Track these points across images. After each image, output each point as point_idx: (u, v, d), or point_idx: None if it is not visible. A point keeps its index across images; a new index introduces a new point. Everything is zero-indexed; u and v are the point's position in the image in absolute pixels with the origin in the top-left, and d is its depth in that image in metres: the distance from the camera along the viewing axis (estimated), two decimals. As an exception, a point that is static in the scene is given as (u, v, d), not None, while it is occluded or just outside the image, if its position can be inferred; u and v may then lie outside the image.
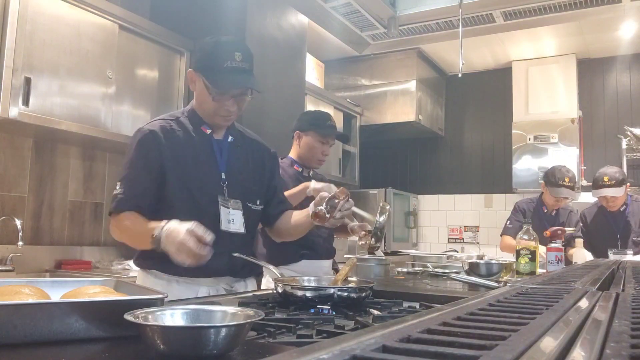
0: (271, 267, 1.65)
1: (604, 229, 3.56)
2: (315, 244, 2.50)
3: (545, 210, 3.53)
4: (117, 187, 1.61)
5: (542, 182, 3.57)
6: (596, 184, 3.49)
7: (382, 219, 2.40)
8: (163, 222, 1.41)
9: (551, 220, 3.48)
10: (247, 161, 1.78)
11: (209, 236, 1.35)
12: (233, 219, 1.66)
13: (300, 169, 2.56)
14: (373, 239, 2.43)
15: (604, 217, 3.60)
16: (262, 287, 2.12)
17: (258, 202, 1.77)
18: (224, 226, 1.63)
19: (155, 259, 1.54)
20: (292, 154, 2.61)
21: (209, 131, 1.70)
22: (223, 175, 1.68)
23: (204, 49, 1.65)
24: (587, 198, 4.93)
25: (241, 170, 1.74)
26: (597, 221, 3.62)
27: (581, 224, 3.64)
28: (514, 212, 3.63)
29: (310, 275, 1.62)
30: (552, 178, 3.42)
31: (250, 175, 1.77)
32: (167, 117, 1.71)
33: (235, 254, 1.64)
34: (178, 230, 1.35)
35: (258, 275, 1.84)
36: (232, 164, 1.72)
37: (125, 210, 1.57)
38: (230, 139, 1.75)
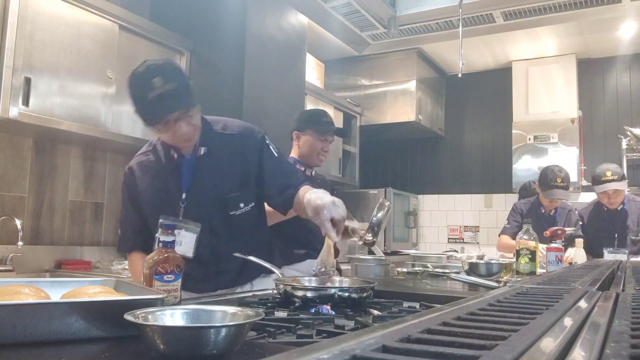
0: (273, 266, 1.61)
1: (600, 229, 3.56)
2: (319, 244, 2.49)
3: (543, 211, 3.53)
4: (118, 227, 1.79)
5: (536, 183, 3.57)
6: (598, 180, 3.48)
7: (379, 214, 2.36)
8: None
9: (550, 220, 3.49)
10: (224, 169, 1.68)
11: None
12: (181, 242, 1.59)
13: (303, 169, 2.54)
14: (370, 234, 2.39)
15: (600, 217, 3.60)
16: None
17: (242, 205, 1.68)
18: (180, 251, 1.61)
19: None
20: (293, 154, 2.60)
21: (176, 155, 1.67)
22: (184, 196, 1.65)
23: (129, 86, 1.55)
24: (588, 198, 4.93)
25: (215, 182, 1.66)
26: (593, 220, 3.62)
27: (580, 223, 3.64)
28: (513, 212, 3.63)
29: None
30: (545, 180, 3.41)
31: (228, 183, 1.67)
32: (146, 148, 1.75)
33: (237, 254, 1.62)
34: None
35: (266, 275, 1.75)
36: (198, 180, 1.66)
37: (127, 251, 1.77)
38: (202, 151, 1.67)
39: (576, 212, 3.68)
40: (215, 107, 3.13)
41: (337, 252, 1.47)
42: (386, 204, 2.41)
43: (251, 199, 1.70)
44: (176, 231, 1.55)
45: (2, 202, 2.69)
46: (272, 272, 1.59)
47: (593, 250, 3.37)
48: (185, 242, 1.60)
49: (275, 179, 1.72)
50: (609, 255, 3.18)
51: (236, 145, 1.70)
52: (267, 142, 1.76)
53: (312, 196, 1.50)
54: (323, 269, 1.43)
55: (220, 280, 1.70)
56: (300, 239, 2.42)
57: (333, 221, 1.43)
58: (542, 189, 3.45)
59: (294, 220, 1.93)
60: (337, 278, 1.49)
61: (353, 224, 2.60)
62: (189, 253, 1.60)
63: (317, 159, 2.55)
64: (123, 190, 1.75)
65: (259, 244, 1.75)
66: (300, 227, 2.32)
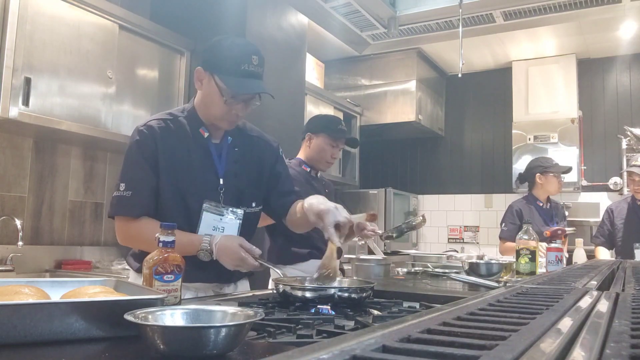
0: (275, 267, 1.61)
1: (631, 224, 3.56)
2: (322, 242, 2.51)
3: (541, 204, 3.55)
4: (122, 188, 1.56)
5: (537, 174, 3.54)
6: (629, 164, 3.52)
7: (415, 222, 2.57)
8: (208, 237, 1.52)
9: (547, 214, 3.52)
10: (245, 163, 1.72)
11: (257, 251, 1.51)
12: (223, 227, 1.62)
13: (308, 169, 2.60)
14: (394, 233, 2.45)
15: (634, 213, 3.59)
16: (270, 286, 2.09)
17: (254, 205, 1.72)
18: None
19: None
20: (301, 155, 2.65)
21: (206, 134, 1.65)
22: (221, 181, 1.64)
23: (218, 48, 1.58)
24: (588, 198, 4.94)
25: (238, 173, 1.69)
26: (625, 216, 3.62)
27: (606, 219, 3.67)
28: (509, 214, 3.57)
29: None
30: (546, 163, 3.53)
31: (247, 177, 1.71)
32: (165, 115, 1.66)
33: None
34: (233, 246, 1.50)
35: (251, 275, 1.79)
36: (230, 167, 1.67)
37: (138, 216, 1.56)
38: (229, 140, 1.69)
39: (567, 208, 3.72)
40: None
41: (340, 253, 1.48)
42: (424, 221, 2.63)
43: (259, 200, 1.75)
44: (220, 217, 1.61)
45: (2, 202, 2.69)
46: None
47: (620, 247, 3.40)
48: (227, 228, 1.63)
49: (282, 186, 1.79)
50: (638, 252, 3.21)
51: (254, 145, 1.76)
52: (281, 151, 1.85)
53: (314, 201, 1.56)
54: (326, 273, 1.44)
55: (218, 272, 1.64)
56: (302, 237, 2.43)
57: (337, 225, 1.48)
58: (545, 171, 3.48)
59: None
60: (337, 278, 1.50)
61: (355, 217, 2.60)
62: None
63: (324, 163, 2.61)
64: (135, 148, 1.59)
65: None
66: None
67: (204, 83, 1.60)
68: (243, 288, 1.78)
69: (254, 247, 1.52)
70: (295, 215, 1.71)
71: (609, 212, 3.71)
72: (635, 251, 3.29)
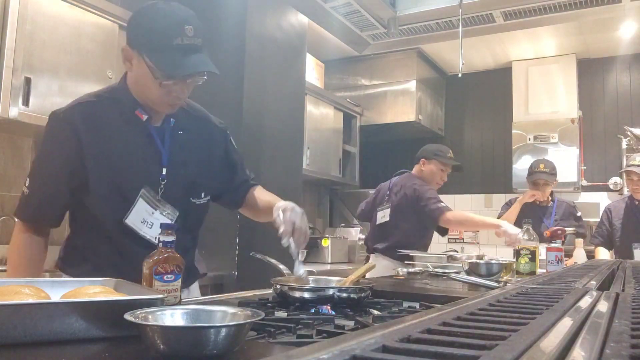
0: (280, 265, 1.57)
1: (629, 224, 3.56)
2: None
3: (538, 202, 3.58)
4: (26, 184, 1.40)
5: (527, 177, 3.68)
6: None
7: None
8: None
9: (546, 211, 3.55)
10: (193, 149, 1.49)
11: None
12: (152, 223, 1.39)
13: None
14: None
15: (632, 212, 3.58)
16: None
17: (203, 195, 1.52)
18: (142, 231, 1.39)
19: (83, 267, 1.42)
20: (417, 175, 3.26)
21: (145, 117, 1.39)
22: (164, 171, 1.41)
23: (142, 20, 1.33)
24: (588, 198, 4.94)
25: (187, 162, 1.47)
26: (622, 216, 3.62)
27: (604, 219, 3.67)
28: (505, 205, 3.78)
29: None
30: (529, 169, 3.62)
31: (197, 166, 1.50)
32: (90, 97, 1.41)
33: (254, 254, 1.55)
34: None
35: (202, 277, 1.63)
36: (175, 156, 1.44)
37: (27, 219, 1.41)
38: (171, 122, 1.45)
39: (575, 208, 3.72)
40: (215, 106, 3.12)
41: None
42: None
43: (210, 190, 1.55)
44: (151, 211, 1.39)
45: (2, 202, 2.69)
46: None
47: (619, 247, 3.41)
48: (157, 226, 1.35)
49: (239, 177, 1.64)
50: (637, 252, 3.21)
51: (202, 128, 1.54)
52: (230, 135, 1.64)
53: (281, 203, 1.47)
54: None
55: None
56: None
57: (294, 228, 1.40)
58: (528, 179, 3.62)
59: None
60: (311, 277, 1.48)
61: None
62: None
63: (435, 184, 3.21)
64: (53, 142, 1.39)
65: (195, 242, 1.60)
66: None
67: (134, 64, 1.35)
68: (195, 293, 1.63)
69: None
70: (257, 206, 1.59)
71: (607, 212, 3.71)
72: (634, 251, 3.29)
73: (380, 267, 3.00)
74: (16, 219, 1.46)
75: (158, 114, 1.43)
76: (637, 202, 3.59)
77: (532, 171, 3.60)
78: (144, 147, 1.41)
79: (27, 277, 1.35)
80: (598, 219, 4.05)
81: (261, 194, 1.64)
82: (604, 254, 3.61)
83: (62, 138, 1.37)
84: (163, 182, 1.41)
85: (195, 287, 1.65)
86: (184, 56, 1.29)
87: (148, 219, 1.39)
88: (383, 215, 3.31)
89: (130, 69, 1.37)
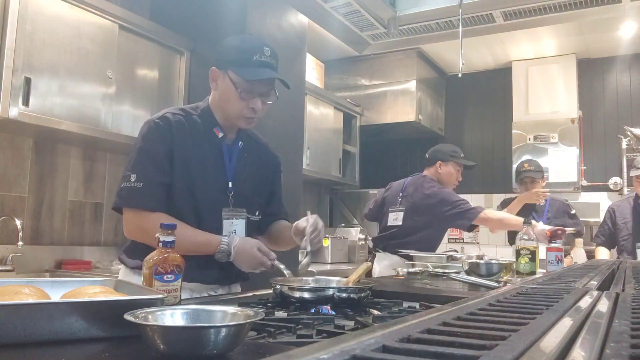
0: (280, 265, 1.59)
1: (634, 224, 3.55)
2: None
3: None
4: (133, 179, 1.50)
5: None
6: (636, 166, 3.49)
7: None
8: (226, 238, 1.53)
9: (540, 210, 3.55)
10: (254, 169, 1.71)
11: (273, 255, 1.55)
12: (235, 230, 1.62)
13: None
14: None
15: (636, 212, 3.57)
16: None
17: (257, 213, 1.72)
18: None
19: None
20: (432, 177, 3.27)
21: (221, 134, 1.63)
22: (230, 184, 1.62)
23: (229, 44, 1.60)
24: (588, 198, 4.94)
25: (247, 179, 1.68)
26: (627, 216, 3.60)
27: (607, 219, 3.68)
28: (500, 206, 3.83)
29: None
30: (516, 171, 3.75)
31: (255, 184, 1.71)
32: (177, 110, 1.62)
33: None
34: (251, 249, 1.52)
35: (245, 280, 1.79)
36: (239, 172, 1.65)
37: (151, 208, 1.50)
38: (240, 144, 1.68)
39: (569, 206, 3.73)
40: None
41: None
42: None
43: (261, 210, 1.74)
44: (231, 221, 1.61)
45: (2, 202, 2.69)
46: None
47: (622, 247, 3.41)
48: (239, 230, 1.63)
49: (272, 207, 1.81)
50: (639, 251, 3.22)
51: (262, 155, 1.77)
52: (281, 168, 1.85)
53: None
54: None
55: (219, 275, 1.64)
56: None
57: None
58: (516, 180, 3.74)
59: None
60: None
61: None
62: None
63: (451, 185, 3.29)
64: (150, 138, 1.54)
65: None
66: None
67: (219, 82, 1.59)
68: (235, 290, 1.77)
69: (270, 250, 1.56)
70: (279, 232, 1.79)
71: (611, 211, 3.71)
72: (638, 251, 3.30)
73: (391, 263, 3.10)
74: (128, 210, 1.54)
75: (231, 133, 1.65)
76: None
77: (518, 171, 3.69)
78: (216, 158, 1.62)
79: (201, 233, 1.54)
80: (598, 219, 4.06)
81: (286, 225, 1.80)
82: (603, 253, 3.61)
83: (161, 136, 1.54)
84: (230, 194, 1.62)
85: (236, 285, 1.79)
86: (259, 68, 1.54)
87: (232, 229, 1.62)
88: (395, 218, 3.28)
89: (216, 87, 1.61)
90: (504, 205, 3.76)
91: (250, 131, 1.74)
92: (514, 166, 5.01)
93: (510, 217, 3.16)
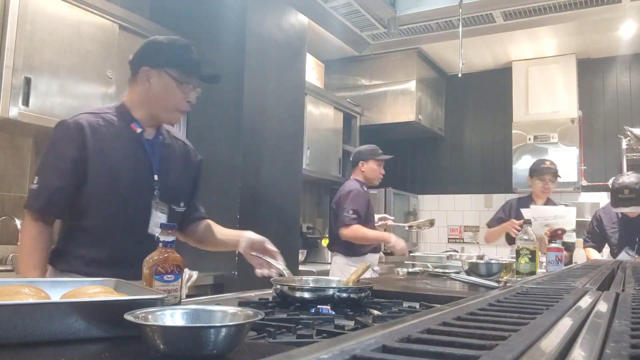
0: (280, 265, 1.59)
1: (624, 228, 3.53)
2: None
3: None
4: (35, 182, 1.56)
5: (528, 177, 3.74)
6: (615, 197, 3.34)
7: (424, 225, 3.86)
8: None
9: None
10: (177, 162, 1.75)
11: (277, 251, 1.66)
12: (158, 222, 1.61)
13: (365, 189, 3.54)
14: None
15: (626, 217, 3.52)
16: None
17: (182, 205, 1.74)
18: (150, 229, 1.61)
19: (73, 261, 1.58)
20: (359, 177, 3.58)
21: (139, 130, 1.64)
22: (156, 177, 1.65)
23: (158, 45, 1.66)
24: (588, 198, 4.94)
25: (170, 171, 1.71)
26: (616, 220, 3.57)
27: (595, 226, 3.66)
28: (502, 207, 3.81)
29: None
30: (534, 166, 3.69)
31: (179, 176, 1.74)
32: (93, 110, 1.66)
33: (253, 253, 1.69)
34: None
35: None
36: (163, 165, 1.69)
37: (39, 210, 1.54)
38: (160, 138, 1.71)
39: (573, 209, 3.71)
40: (215, 107, 3.13)
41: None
42: (431, 225, 3.92)
43: (185, 203, 1.77)
44: (157, 213, 1.64)
45: (2, 202, 2.69)
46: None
47: (616, 246, 3.41)
48: (164, 221, 1.62)
49: (197, 199, 1.85)
50: (626, 256, 3.22)
51: (181, 149, 1.79)
52: (201, 167, 1.88)
53: (247, 237, 1.72)
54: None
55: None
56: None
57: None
58: (534, 175, 3.66)
59: None
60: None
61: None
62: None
63: (377, 180, 3.59)
64: (59, 144, 1.57)
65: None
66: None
67: (153, 81, 1.62)
68: None
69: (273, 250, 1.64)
70: (214, 235, 1.83)
71: (598, 218, 3.68)
72: (623, 253, 3.32)
73: (344, 262, 3.44)
74: (26, 211, 1.58)
75: (150, 128, 1.68)
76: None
77: (538, 167, 3.65)
78: (137, 154, 1.64)
79: (39, 262, 1.55)
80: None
81: (219, 227, 1.86)
82: (595, 254, 3.61)
83: (70, 140, 1.56)
84: (157, 187, 1.64)
85: None
86: (198, 65, 1.65)
87: (157, 221, 1.62)
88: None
89: (149, 86, 1.63)
90: (504, 210, 3.75)
91: (168, 127, 1.79)
92: (514, 166, 5.03)
93: (368, 234, 3.40)
